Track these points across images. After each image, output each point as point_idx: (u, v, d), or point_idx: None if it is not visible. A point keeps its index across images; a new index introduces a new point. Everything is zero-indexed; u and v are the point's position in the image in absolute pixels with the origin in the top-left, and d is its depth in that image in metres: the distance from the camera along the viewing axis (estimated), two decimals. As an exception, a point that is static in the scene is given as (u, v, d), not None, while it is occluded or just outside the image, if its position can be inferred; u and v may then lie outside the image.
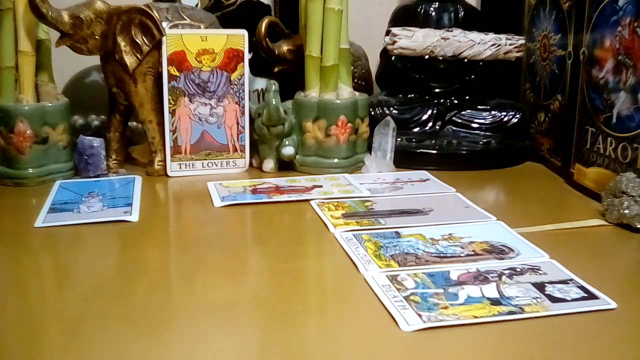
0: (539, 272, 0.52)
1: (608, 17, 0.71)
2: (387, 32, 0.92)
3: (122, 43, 0.77)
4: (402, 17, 0.98)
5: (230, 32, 0.82)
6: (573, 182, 0.78)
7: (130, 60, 0.78)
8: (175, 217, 0.70)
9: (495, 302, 0.46)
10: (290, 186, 0.76)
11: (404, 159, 0.85)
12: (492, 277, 0.51)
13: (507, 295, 0.47)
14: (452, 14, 0.97)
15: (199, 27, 0.85)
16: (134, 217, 0.65)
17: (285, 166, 0.84)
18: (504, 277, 0.51)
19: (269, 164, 0.83)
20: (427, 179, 0.80)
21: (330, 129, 0.81)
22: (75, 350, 0.41)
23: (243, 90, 0.83)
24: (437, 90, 0.94)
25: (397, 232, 0.60)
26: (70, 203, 0.69)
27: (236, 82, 0.82)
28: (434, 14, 0.97)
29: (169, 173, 0.81)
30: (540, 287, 0.49)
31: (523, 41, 0.92)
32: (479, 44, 0.90)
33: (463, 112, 0.92)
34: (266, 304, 0.48)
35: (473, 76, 0.94)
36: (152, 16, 0.77)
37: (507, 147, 0.89)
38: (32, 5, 0.72)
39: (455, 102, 0.93)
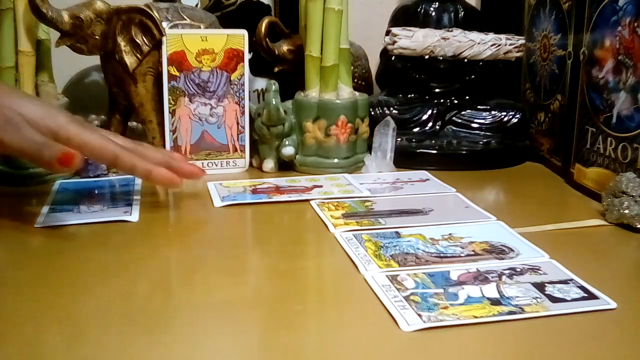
0: (539, 272, 0.52)
1: (608, 17, 0.71)
2: (387, 32, 0.91)
3: (122, 43, 0.78)
4: (402, 17, 0.98)
5: (230, 32, 0.82)
6: (573, 182, 0.78)
7: (130, 60, 0.78)
8: (175, 217, 0.70)
9: (495, 302, 0.46)
10: (290, 186, 0.76)
11: (404, 159, 0.85)
12: (492, 277, 0.51)
13: (507, 295, 0.47)
14: (452, 14, 0.97)
15: (199, 27, 0.85)
16: (134, 217, 0.65)
17: (285, 166, 0.84)
18: (504, 277, 0.51)
19: (269, 164, 0.83)
20: (427, 179, 0.80)
21: (330, 129, 0.81)
22: (75, 350, 0.41)
23: (243, 90, 0.83)
24: (437, 90, 0.94)
25: (397, 232, 0.60)
26: (70, 203, 0.69)
27: (236, 82, 0.82)
28: (434, 14, 0.97)
29: (169, 173, 0.81)
30: (540, 287, 0.49)
31: (523, 41, 0.92)
32: (479, 44, 0.90)
33: (463, 112, 0.92)
34: (266, 303, 0.48)
35: (473, 76, 0.94)
36: (152, 16, 0.77)
37: (507, 147, 0.89)
38: (32, 5, 0.72)
39: (455, 102, 0.93)
